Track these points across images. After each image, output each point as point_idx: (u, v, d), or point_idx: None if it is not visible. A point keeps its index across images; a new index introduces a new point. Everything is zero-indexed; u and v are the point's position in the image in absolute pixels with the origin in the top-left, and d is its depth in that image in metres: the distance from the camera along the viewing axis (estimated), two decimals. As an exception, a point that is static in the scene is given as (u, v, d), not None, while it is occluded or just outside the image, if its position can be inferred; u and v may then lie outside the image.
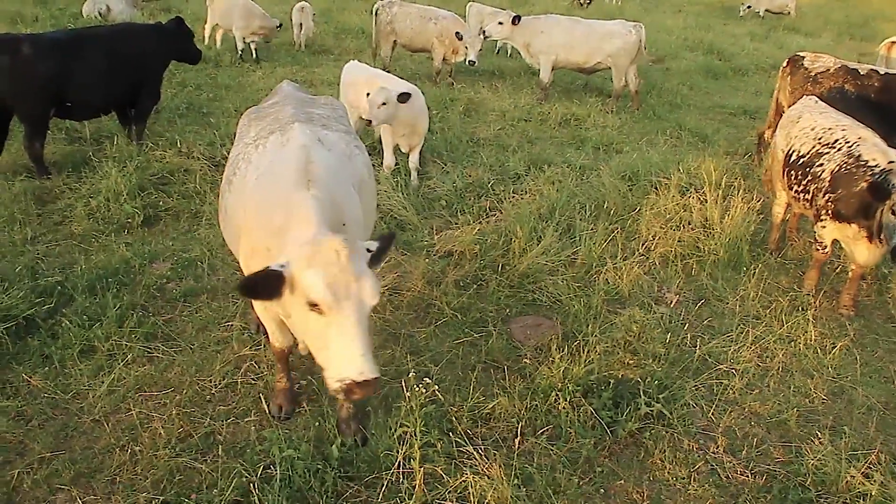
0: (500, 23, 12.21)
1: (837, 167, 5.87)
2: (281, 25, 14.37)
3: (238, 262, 4.34)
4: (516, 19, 12.14)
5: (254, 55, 13.91)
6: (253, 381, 4.84)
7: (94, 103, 8.10)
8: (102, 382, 4.66)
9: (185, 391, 4.68)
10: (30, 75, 7.29)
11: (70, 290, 5.53)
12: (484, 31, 12.42)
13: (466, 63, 12.66)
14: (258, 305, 4.16)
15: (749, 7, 26.68)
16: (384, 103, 7.11)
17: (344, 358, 3.16)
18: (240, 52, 13.80)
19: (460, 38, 12.54)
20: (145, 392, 4.68)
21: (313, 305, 3.15)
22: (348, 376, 3.13)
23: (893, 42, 13.63)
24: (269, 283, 3.18)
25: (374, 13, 13.41)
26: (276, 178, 3.83)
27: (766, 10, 26.70)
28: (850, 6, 34.93)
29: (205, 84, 11.83)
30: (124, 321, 5.21)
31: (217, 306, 5.68)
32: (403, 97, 7.24)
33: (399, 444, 4.14)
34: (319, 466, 3.99)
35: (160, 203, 7.26)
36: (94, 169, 7.55)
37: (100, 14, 14.53)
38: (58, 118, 8.12)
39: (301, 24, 14.84)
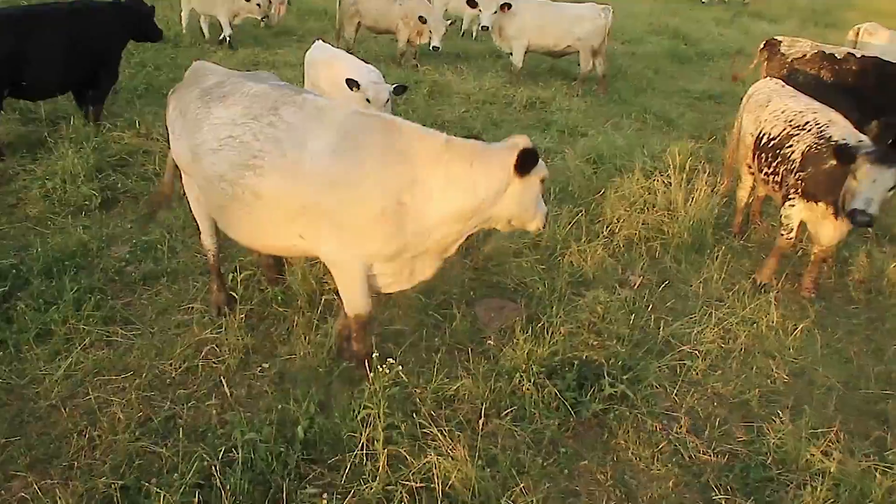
0: (495, 12, 11.99)
1: (808, 147, 5.92)
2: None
3: (199, 245, 4.49)
4: (506, 6, 11.95)
5: (228, 41, 13.40)
6: (214, 365, 4.77)
7: (50, 83, 7.86)
8: (59, 367, 4.55)
9: (144, 375, 4.60)
10: (-18, 53, 7.05)
11: (25, 274, 5.40)
12: (486, 27, 12.20)
13: (431, 49, 12.54)
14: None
15: None
16: (388, 100, 7.01)
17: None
18: (227, 37, 13.26)
19: (424, 22, 12.42)
20: (104, 376, 4.58)
21: (542, 181, 4.34)
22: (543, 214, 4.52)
23: (864, 29, 13.80)
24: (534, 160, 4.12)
25: (338, -6, 13.25)
26: (368, 144, 4.15)
27: None
28: (813, -6, 35.36)
29: (164, 65, 11.58)
30: (82, 305, 5.09)
31: (177, 289, 5.58)
32: (399, 90, 7.17)
33: (363, 425, 4.12)
34: (282, 449, 3.95)
35: (118, 185, 7.11)
36: (49, 150, 7.36)
37: (57, -8, 14.15)
38: (12, 98, 7.88)
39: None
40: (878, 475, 4.09)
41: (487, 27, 12.16)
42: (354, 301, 4.52)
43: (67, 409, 4.28)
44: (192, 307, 5.31)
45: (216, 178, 4.33)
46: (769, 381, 5.11)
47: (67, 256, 5.70)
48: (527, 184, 4.22)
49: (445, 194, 4.15)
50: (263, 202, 4.23)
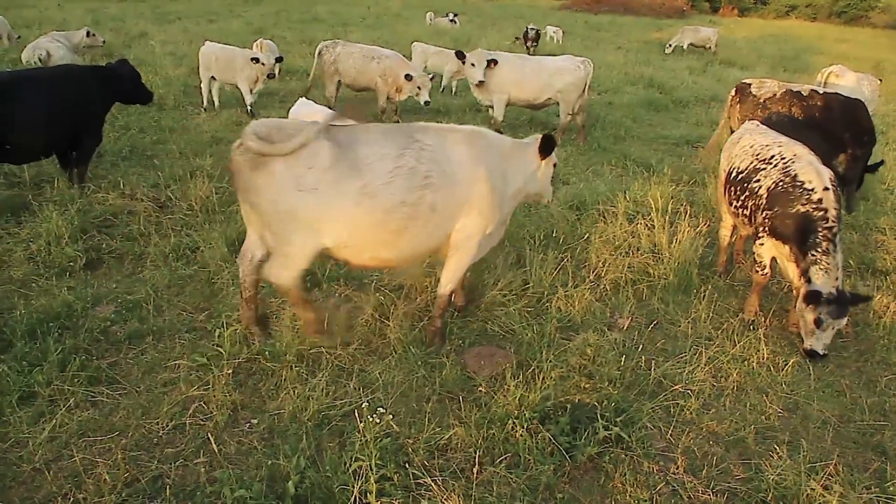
0: (473, 64, 11.94)
1: (773, 184, 6.00)
2: (282, 59, 14.06)
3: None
4: (493, 62, 12.06)
5: (250, 109, 13.26)
6: (201, 422, 4.68)
7: (33, 146, 7.85)
8: (43, 429, 4.44)
9: (130, 434, 4.51)
10: (-34, 118, 7.07)
11: (9, 336, 5.32)
12: (482, 82, 12.11)
13: (423, 104, 12.73)
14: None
15: (672, 45, 28.52)
16: None
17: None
18: (249, 107, 13.16)
19: (410, 80, 12.59)
20: (89, 437, 4.48)
21: (555, 165, 5.99)
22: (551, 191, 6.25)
23: (831, 72, 14.23)
24: (552, 144, 5.73)
25: (317, 53, 13.45)
26: (484, 149, 5.38)
27: (690, 44, 28.80)
28: (782, 41, 36.41)
29: (148, 127, 11.66)
30: (66, 365, 5.00)
31: (163, 347, 5.51)
32: None
33: (354, 478, 4.04)
34: (273, 505, 3.86)
35: (103, 245, 7.08)
36: (34, 213, 7.34)
37: (40, 60, 14.27)
38: (-4, 161, 7.89)
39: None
40: (878, 508, 4.05)
41: (483, 81, 12.00)
42: (455, 278, 5.61)
43: (52, 472, 4.17)
44: (179, 364, 5.24)
45: (397, 206, 4.90)
46: (764, 417, 5.09)
47: (52, 317, 5.63)
48: (546, 164, 5.83)
49: (514, 177, 5.63)
50: (437, 213, 5.09)
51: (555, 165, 5.97)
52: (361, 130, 5.04)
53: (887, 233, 8.65)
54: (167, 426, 4.62)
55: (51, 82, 7.95)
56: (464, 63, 12.14)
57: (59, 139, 8.07)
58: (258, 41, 14.99)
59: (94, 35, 16.83)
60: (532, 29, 24.33)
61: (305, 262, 5.07)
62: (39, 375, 4.85)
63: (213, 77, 13.41)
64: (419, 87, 12.60)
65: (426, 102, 12.67)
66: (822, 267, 5.59)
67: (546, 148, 5.68)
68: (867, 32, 51.47)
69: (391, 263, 5.48)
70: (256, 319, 5.61)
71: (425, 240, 5.20)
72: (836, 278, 5.57)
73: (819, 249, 5.60)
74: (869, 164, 8.81)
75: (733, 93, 9.55)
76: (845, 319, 5.65)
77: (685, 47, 29.03)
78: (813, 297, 5.58)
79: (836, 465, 4.41)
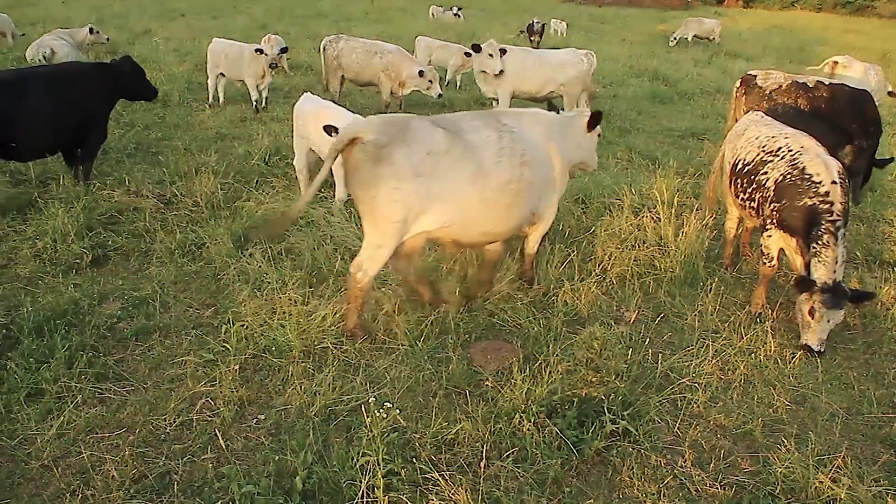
0: (490, 55, 11.82)
1: (781, 177, 5.97)
2: (286, 49, 14.14)
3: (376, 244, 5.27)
4: (503, 52, 11.99)
5: (263, 104, 13.44)
6: (209, 418, 4.69)
7: (39, 144, 7.88)
8: (51, 426, 4.46)
9: (138, 431, 4.52)
10: (-29, 116, 7.08)
11: (16, 333, 5.34)
12: (502, 71, 11.99)
13: (435, 97, 12.86)
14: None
15: (677, 38, 28.58)
16: None
17: None
18: (255, 103, 13.23)
19: (422, 75, 12.61)
20: (96, 434, 4.50)
21: (599, 135, 6.66)
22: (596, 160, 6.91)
23: (836, 61, 14.14)
24: (598, 120, 6.45)
25: (322, 49, 13.43)
26: (551, 126, 6.08)
27: (695, 36, 28.82)
28: (787, 32, 36.25)
29: (153, 124, 11.68)
30: (73, 362, 5.02)
31: (170, 343, 5.52)
32: None
33: (362, 473, 4.05)
34: (281, 501, 3.88)
35: (109, 242, 7.09)
36: (39, 210, 7.36)
37: (44, 58, 14.30)
38: (1, 159, 7.93)
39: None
40: (889, 500, 4.04)
41: (503, 70, 11.87)
42: (538, 242, 6.37)
43: (60, 469, 4.19)
44: (185, 361, 5.25)
45: (505, 184, 5.42)
46: (771, 410, 5.07)
47: (59, 315, 5.65)
48: (592, 136, 6.54)
49: (571, 149, 6.27)
50: (533, 187, 5.66)
51: (599, 135, 6.64)
52: (459, 118, 5.60)
53: (895, 224, 8.61)
54: (174, 422, 4.63)
55: (56, 80, 7.96)
56: (479, 55, 12.01)
57: (64, 136, 8.09)
58: (266, 36, 14.98)
59: (97, 32, 16.85)
60: (537, 22, 24.25)
61: (389, 256, 5.40)
62: (47, 372, 4.87)
63: (221, 74, 13.40)
64: (430, 81, 12.62)
65: (439, 95, 12.74)
66: (820, 259, 5.56)
67: (594, 122, 6.40)
68: (873, 23, 51.16)
69: (496, 237, 5.90)
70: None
71: (524, 213, 5.77)
72: (834, 271, 5.53)
73: (820, 242, 5.57)
74: (878, 158, 8.76)
75: (738, 84, 9.48)
76: (841, 312, 5.59)
77: (689, 39, 29.00)
78: (804, 285, 5.58)
79: (844, 457, 4.39)
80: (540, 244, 6.41)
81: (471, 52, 12.11)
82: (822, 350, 5.66)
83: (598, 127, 6.51)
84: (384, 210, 5.10)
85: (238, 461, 4.31)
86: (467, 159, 5.25)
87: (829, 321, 5.60)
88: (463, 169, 5.23)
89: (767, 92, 8.93)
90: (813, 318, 5.61)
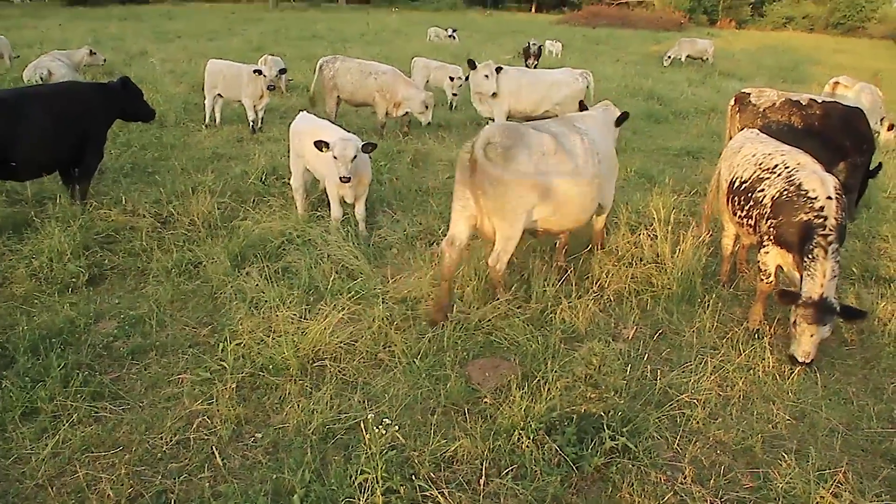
0: (486, 76, 12.03)
1: (778, 193, 5.99)
2: (285, 70, 14.17)
3: None
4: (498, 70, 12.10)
5: (260, 124, 13.47)
6: (205, 437, 4.66)
7: (37, 163, 7.88)
8: (46, 445, 4.43)
9: (134, 450, 4.48)
10: (-32, 136, 7.08)
11: (11, 352, 5.32)
12: (495, 94, 12.22)
13: (424, 124, 13.19)
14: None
15: (671, 57, 28.87)
16: (355, 155, 7.13)
17: None
18: (251, 123, 13.23)
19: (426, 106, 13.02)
20: (92, 453, 4.46)
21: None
22: None
23: (837, 82, 14.28)
24: (626, 117, 7.58)
25: (317, 69, 13.49)
26: (601, 125, 7.11)
27: (688, 56, 29.15)
28: (780, 52, 36.56)
29: (150, 144, 11.69)
30: (69, 381, 4.99)
31: (166, 362, 5.50)
32: (368, 147, 7.36)
33: (360, 491, 4.02)
34: (278, 519, 3.84)
35: (105, 261, 7.08)
36: (36, 230, 7.34)
37: (41, 79, 14.36)
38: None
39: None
40: (889, 515, 4.01)
41: (496, 93, 12.11)
42: (604, 223, 7.45)
43: (55, 489, 4.15)
44: (182, 379, 5.23)
45: (591, 179, 6.31)
46: (771, 425, 5.05)
47: (54, 333, 5.63)
48: (616, 130, 7.46)
49: (613, 143, 7.23)
50: (606, 181, 6.71)
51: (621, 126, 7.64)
52: (549, 125, 6.47)
53: (890, 241, 8.63)
54: (171, 441, 4.60)
55: (54, 99, 7.98)
56: (475, 75, 12.15)
57: (62, 156, 8.09)
58: (263, 57, 15.03)
59: (94, 53, 16.92)
60: (534, 44, 24.33)
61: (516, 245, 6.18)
62: (42, 391, 4.84)
63: (218, 94, 13.43)
64: (426, 107, 12.74)
65: (427, 124, 13.06)
66: (809, 273, 5.56)
67: (620, 120, 7.43)
68: (864, 43, 51.69)
69: (581, 224, 6.74)
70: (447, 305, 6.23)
71: (589, 208, 6.55)
72: (822, 286, 5.52)
73: (810, 256, 5.56)
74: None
75: (733, 102, 9.55)
76: (826, 328, 5.53)
77: (683, 59, 29.25)
78: (786, 298, 5.59)
79: (845, 472, 4.38)
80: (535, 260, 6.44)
81: (452, 75, 12.27)
82: (808, 362, 5.60)
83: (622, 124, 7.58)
84: (514, 203, 5.87)
85: (235, 480, 4.28)
86: (567, 159, 6.13)
87: (811, 336, 5.54)
88: (565, 167, 6.10)
89: (761, 109, 8.99)
90: (796, 331, 5.60)
